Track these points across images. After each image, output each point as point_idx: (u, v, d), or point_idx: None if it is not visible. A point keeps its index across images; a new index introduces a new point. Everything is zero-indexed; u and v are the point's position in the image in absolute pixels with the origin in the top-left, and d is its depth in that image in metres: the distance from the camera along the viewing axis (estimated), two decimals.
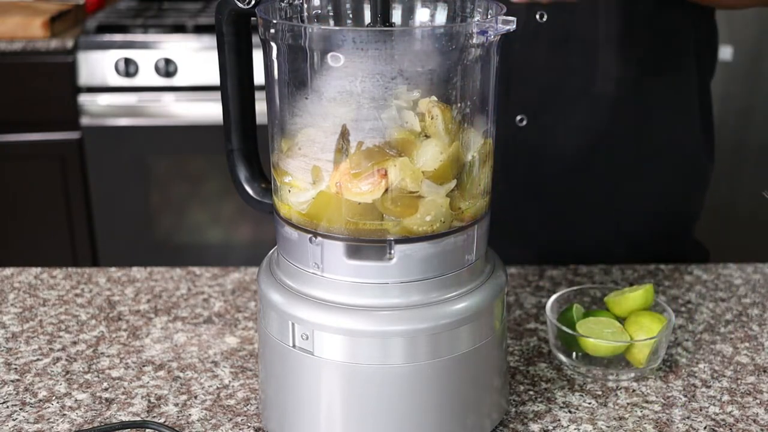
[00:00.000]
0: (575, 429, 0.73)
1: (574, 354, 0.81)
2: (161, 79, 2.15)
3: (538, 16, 0.94)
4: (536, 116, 0.98)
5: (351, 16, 0.71)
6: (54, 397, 0.77)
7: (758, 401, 0.76)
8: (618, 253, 1.04)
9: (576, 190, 1.02)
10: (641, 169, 1.03)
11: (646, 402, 0.76)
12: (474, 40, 0.61)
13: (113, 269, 1.03)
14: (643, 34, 0.98)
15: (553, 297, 0.84)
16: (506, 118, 0.98)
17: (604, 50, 0.96)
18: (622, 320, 0.83)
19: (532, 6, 0.93)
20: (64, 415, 0.74)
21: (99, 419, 0.74)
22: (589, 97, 0.98)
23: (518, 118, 0.98)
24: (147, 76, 2.14)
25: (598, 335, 0.79)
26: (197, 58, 2.14)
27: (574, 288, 0.88)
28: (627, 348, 0.79)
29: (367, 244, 0.62)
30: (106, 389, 0.78)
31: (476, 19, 0.68)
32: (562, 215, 1.04)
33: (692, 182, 1.09)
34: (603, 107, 0.99)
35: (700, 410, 0.75)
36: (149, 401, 0.76)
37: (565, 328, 0.79)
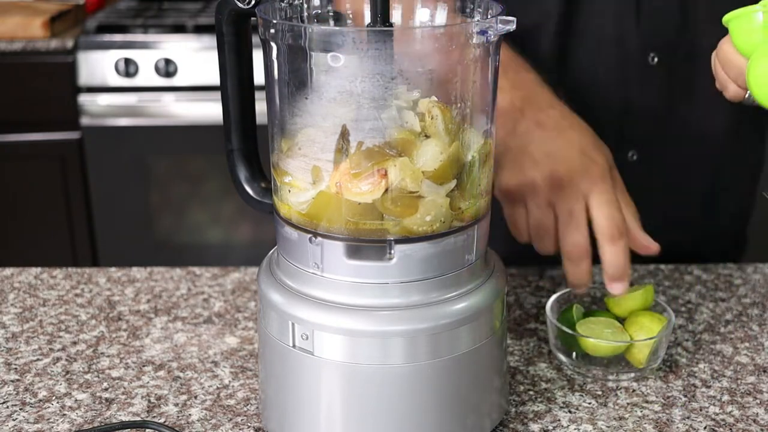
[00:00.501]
0: (575, 429, 0.73)
1: (574, 354, 0.81)
2: (161, 79, 2.15)
3: (650, 59, 0.99)
4: (646, 151, 1.02)
5: (351, 16, 0.71)
6: (54, 397, 0.77)
7: (758, 401, 0.77)
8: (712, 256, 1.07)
9: (673, 206, 1.07)
10: (740, 185, 1.12)
11: (646, 402, 0.76)
12: (474, 40, 0.61)
13: (113, 269, 1.03)
14: None
15: (553, 297, 0.84)
16: (619, 154, 0.96)
17: (710, 89, 1.01)
18: (622, 320, 0.83)
19: (645, 48, 1.00)
20: (64, 415, 0.74)
21: (99, 419, 0.74)
22: (697, 129, 1.03)
23: (630, 153, 1.02)
24: (147, 76, 2.15)
25: (598, 335, 0.79)
26: (197, 58, 2.14)
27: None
28: (627, 348, 0.79)
29: (367, 244, 0.62)
30: (106, 389, 0.78)
31: (476, 19, 0.68)
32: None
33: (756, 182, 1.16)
34: (710, 137, 1.04)
35: (700, 410, 0.75)
36: (149, 401, 0.76)
37: (565, 328, 0.79)
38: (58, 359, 0.83)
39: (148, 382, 0.79)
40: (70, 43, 2.12)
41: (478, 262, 0.67)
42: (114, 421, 0.73)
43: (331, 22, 0.71)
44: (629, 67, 0.99)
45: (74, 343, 0.86)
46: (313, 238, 0.64)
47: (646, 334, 0.79)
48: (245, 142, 0.75)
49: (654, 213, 1.07)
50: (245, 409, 0.75)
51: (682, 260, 1.05)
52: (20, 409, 0.75)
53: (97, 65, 2.14)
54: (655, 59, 1.00)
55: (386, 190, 0.61)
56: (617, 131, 1.01)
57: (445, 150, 0.61)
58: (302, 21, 0.68)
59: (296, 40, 0.60)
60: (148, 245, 2.28)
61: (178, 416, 0.74)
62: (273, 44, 0.63)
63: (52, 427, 0.73)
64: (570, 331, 0.79)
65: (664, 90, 1.02)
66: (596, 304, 0.87)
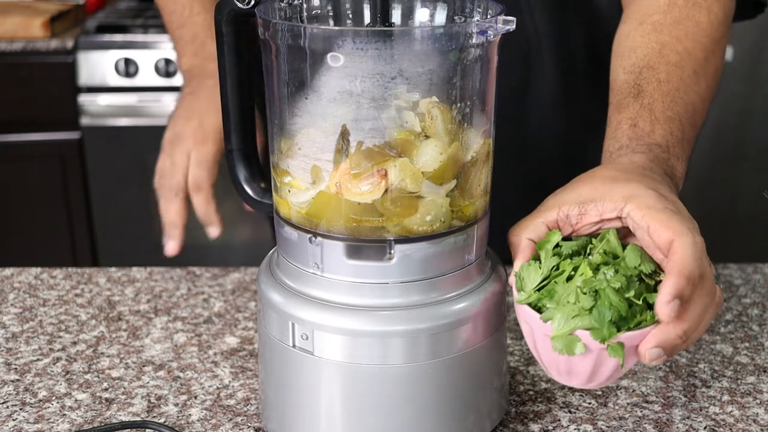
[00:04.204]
0: (575, 429, 0.73)
1: None
2: (161, 79, 2.15)
3: None
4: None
5: (351, 16, 0.71)
6: (54, 397, 0.77)
7: (758, 401, 0.77)
8: None
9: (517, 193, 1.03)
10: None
11: (646, 402, 0.76)
12: (474, 40, 0.61)
13: (113, 269, 1.03)
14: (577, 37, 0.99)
15: None
16: None
17: (542, 56, 0.98)
18: None
19: None
20: (64, 415, 0.74)
21: (99, 419, 0.74)
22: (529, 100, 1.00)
23: None
24: (147, 76, 2.15)
25: None
26: None
27: None
28: None
29: (367, 244, 0.62)
30: (106, 389, 0.78)
31: (476, 19, 0.68)
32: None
33: None
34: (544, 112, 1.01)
35: (700, 410, 0.75)
36: (149, 401, 0.76)
37: None
38: (58, 359, 0.83)
39: (148, 382, 0.79)
40: (70, 43, 2.12)
41: (478, 262, 0.67)
42: (114, 421, 0.73)
43: (331, 22, 0.71)
44: None
45: (74, 343, 0.86)
46: (313, 238, 0.64)
47: None
48: (245, 142, 0.75)
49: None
50: (245, 409, 0.75)
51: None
52: (20, 409, 0.75)
53: (97, 65, 2.14)
54: None
55: (386, 191, 0.61)
56: None
57: (444, 150, 0.61)
58: (302, 21, 0.68)
59: (296, 40, 0.60)
60: (148, 245, 2.27)
61: (178, 416, 0.74)
62: (273, 44, 0.63)
63: (52, 427, 0.73)
64: None
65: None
66: None
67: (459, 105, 0.62)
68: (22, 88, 2.15)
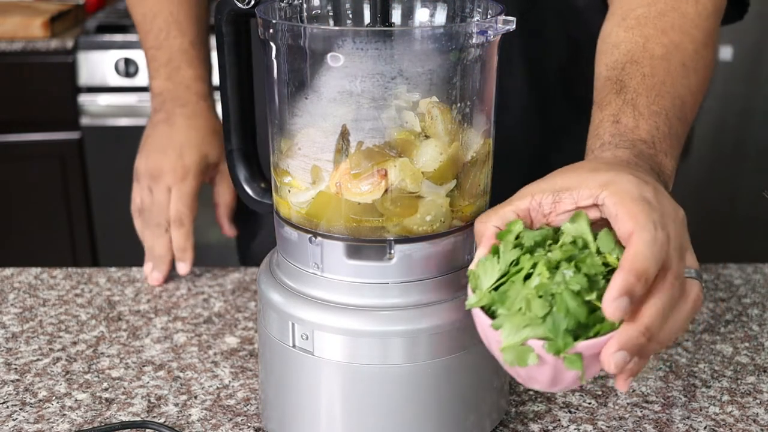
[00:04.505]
0: (575, 429, 0.73)
1: None
2: None
3: None
4: None
5: (351, 16, 0.71)
6: (54, 397, 0.77)
7: (758, 401, 0.77)
8: None
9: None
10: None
11: (646, 402, 0.76)
12: (474, 40, 0.61)
13: (113, 269, 1.03)
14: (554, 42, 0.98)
15: None
16: None
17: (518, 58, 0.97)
18: None
19: None
20: (64, 415, 0.74)
21: (99, 419, 0.74)
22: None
23: None
24: (147, 76, 2.14)
25: None
26: None
27: None
28: None
29: (367, 244, 0.62)
30: (106, 389, 0.78)
31: (476, 19, 0.68)
32: None
33: None
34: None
35: (700, 410, 0.75)
36: (149, 401, 0.76)
37: None
38: (58, 359, 0.83)
39: (148, 382, 0.79)
40: (70, 43, 2.12)
41: None
42: (114, 421, 0.73)
43: (331, 22, 0.71)
44: None
45: (74, 343, 0.86)
46: (313, 238, 0.64)
47: None
48: (245, 142, 0.75)
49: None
50: (245, 409, 0.75)
51: None
52: (20, 409, 0.75)
53: (97, 65, 2.14)
54: None
55: (386, 191, 0.61)
56: None
57: (444, 150, 0.61)
58: (302, 21, 0.68)
59: (296, 40, 0.60)
60: None
61: (178, 416, 0.74)
62: (273, 44, 0.63)
63: (52, 427, 0.73)
64: None
65: None
66: None
67: (459, 105, 0.62)
68: (22, 88, 2.15)
